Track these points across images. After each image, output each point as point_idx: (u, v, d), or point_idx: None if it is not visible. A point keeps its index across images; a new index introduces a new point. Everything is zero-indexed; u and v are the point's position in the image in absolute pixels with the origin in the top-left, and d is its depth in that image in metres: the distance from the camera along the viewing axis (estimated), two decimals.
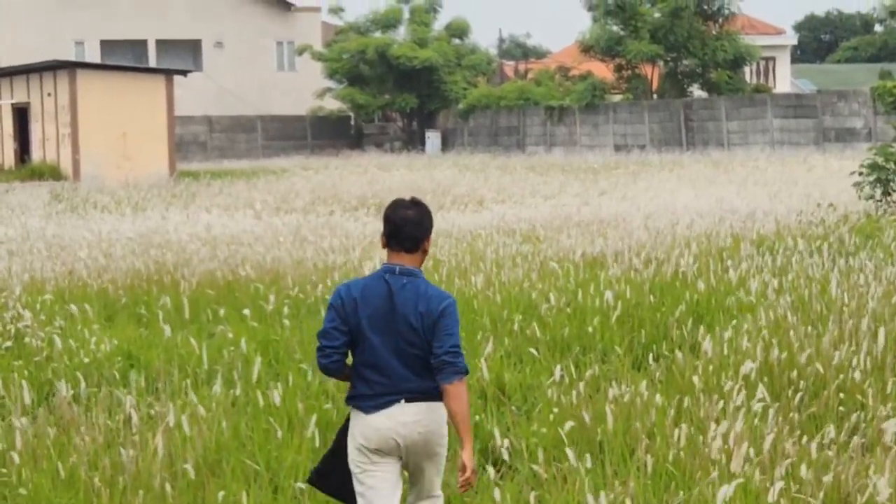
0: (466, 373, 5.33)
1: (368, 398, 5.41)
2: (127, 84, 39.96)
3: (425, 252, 5.56)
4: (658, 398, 7.56)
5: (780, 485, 5.57)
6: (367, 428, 5.40)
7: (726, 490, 5.37)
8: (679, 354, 8.76)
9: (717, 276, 12.17)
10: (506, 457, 6.92)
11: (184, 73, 44.44)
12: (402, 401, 5.36)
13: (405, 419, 5.36)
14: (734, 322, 10.00)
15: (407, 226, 5.47)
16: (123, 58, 57.91)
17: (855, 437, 6.56)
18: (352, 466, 5.50)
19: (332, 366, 5.50)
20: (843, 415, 7.25)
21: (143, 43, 61.43)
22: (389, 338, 5.38)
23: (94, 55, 58.62)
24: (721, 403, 7.17)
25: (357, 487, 5.49)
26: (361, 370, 5.46)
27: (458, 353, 5.31)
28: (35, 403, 8.12)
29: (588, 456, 6.49)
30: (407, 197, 5.64)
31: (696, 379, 7.82)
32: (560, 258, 13.99)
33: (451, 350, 5.29)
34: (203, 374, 9.01)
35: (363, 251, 15.05)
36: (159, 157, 39.44)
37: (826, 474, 5.94)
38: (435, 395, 5.36)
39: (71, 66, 40.24)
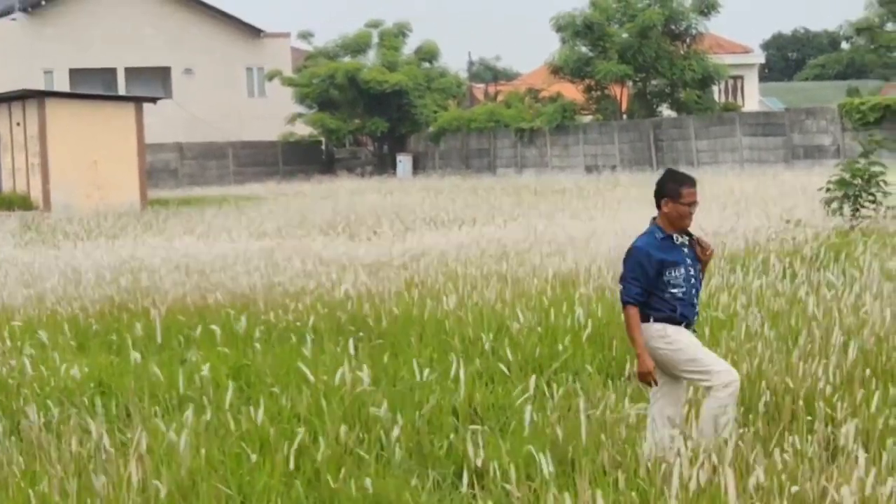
0: (626, 302, 7.10)
1: None
2: (96, 112, 39.85)
3: (664, 212, 7.16)
4: (630, 415, 7.61)
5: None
6: None
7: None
8: None
9: None
10: (479, 476, 6.93)
11: (153, 100, 44.39)
12: None
13: None
14: (706, 337, 10.04)
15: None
16: (93, 86, 57.86)
17: (814, 447, 6.63)
18: None
19: None
20: (809, 426, 7.30)
21: (113, 71, 61.41)
22: None
23: (63, 84, 58.57)
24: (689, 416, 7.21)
25: None
26: None
27: (622, 285, 7.14)
28: (5, 431, 8.08)
29: (560, 473, 6.51)
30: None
31: None
32: (531, 278, 14.04)
33: (619, 282, 7.20)
34: (175, 400, 9.00)
35: (337, 275, 15.02)
36: (130, 185, 39.32)
37: (793, 485, 5.99)
38: (644, 317, 7.07)
39: (40, 96, 40.11)
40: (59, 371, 9.86)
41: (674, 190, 7.12)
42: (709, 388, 7.07)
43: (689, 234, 7.27)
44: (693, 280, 7.18)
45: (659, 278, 7.05)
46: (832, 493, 5.80)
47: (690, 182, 7.17)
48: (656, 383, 7.03)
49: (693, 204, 7.13)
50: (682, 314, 7.10)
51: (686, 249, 7.21)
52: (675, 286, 7.08)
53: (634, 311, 7.06)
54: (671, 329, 7.08)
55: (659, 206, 7.20)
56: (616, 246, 16.66)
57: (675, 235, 7.18)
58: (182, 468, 7.08)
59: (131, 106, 40.79)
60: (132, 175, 39.69)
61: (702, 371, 7.03)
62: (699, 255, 7.26)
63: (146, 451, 7.17)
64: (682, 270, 7.11)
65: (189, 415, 7.95)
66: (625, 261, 7.21)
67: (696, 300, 7.24)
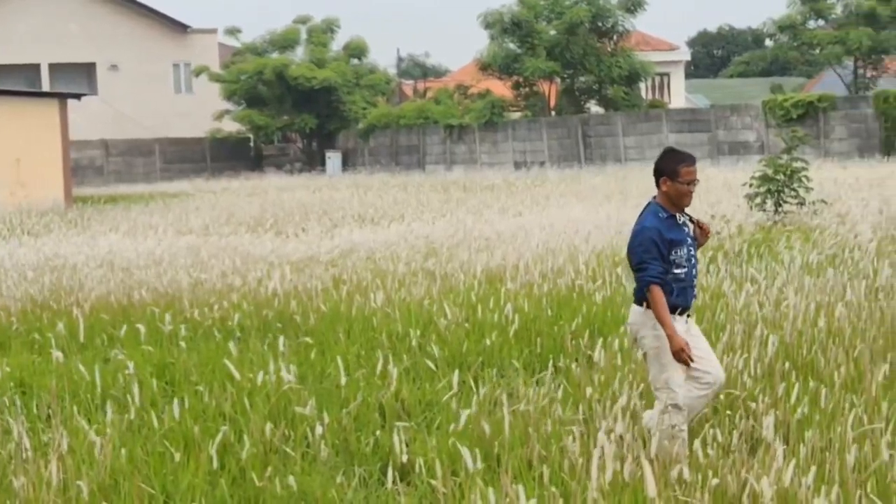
0: (649, 282, 6.91)
1: None
2: (19, 109, 39.18)
3: (664, 191, 7.10)
4: (556, 409, 7.64)
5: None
6: None
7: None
8: (574, 366, 8.85)
9: (613, 289, 12.32)
10: (405, 472, 6.93)
11: (77, 96, 43.80)
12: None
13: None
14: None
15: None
16: (16, 82, 56.96)
17: (735, 440, 6.70)
18: None
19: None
20: (731, 419, 7.39)
21: (36, 67, 60.54)
22: None
23: None
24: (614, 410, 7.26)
25: None
26: None
27: (641, 269, 6.98)
28: None
29: (487, 468, 6.52)
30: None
31: (590, 390, 7.91)
32: (459, 274, 14.06)
33: (636, 268, 7.03)
34: (98, 399, 8.90)
35: (264, 272, 14.93)
36: (54, 183, 38.70)
37: (714, 478, 6.06)
38: (637, 299, 7.10)
39: None
40: None
41: (671, 169, 7.03)
42: (658, 400, 7.02)
43: (688, 215, 7.24)
44: (693, 260, 7.14)
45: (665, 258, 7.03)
46: (752, 485, 5.87)
47: (689, 160, 7.08)
48: (692, 360, 6.86)
49: (692, 182, 7.05)
50: (678, 297, 7.02)
51: (687, 229, 7.16)
52: (678, 266, 7.01)
53: (659, 291, 6.89)
54: None
55: (658, 186, 7.14)
56: (544, 241, 16.76)
57: (677, 215, 7.12)
58: (104, 468, 7.00)
59: (55, 102, 40.16)
60: (56, 172, 39.08)
61: (665, 380, 6.98)
62: (697, 235, 7.22)
63: (67, 450, 7.09)
64: (685, 250, 7.06)
65: (110, 414, 7.87)
66: (635, 245, 7.05)
67: (695, 281, 7.20)
